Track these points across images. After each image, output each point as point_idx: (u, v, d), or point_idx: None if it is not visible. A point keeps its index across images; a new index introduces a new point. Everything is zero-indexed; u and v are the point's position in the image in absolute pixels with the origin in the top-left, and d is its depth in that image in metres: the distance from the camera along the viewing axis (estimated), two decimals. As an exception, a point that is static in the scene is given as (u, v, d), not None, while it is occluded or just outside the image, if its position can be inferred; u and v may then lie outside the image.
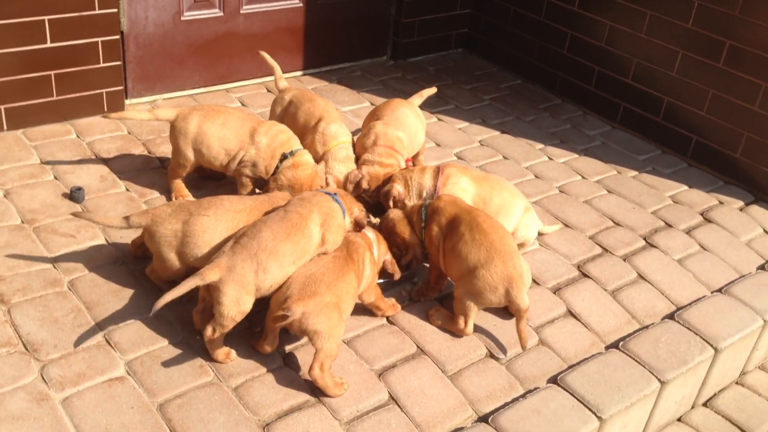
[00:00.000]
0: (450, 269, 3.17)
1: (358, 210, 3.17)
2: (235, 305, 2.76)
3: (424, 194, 3.56)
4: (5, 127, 4.12)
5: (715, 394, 3.58)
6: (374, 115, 4.02)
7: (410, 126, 3.98)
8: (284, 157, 3.57)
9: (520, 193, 3.66)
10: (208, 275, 2.71)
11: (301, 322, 2.73)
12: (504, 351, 3.14)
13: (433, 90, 4.42)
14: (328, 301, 2.77)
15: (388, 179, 3.69)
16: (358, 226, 3.16)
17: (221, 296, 2.74)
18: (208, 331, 2.81)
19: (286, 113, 4.02)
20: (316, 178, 3.59)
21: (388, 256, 3.22)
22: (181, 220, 3.00)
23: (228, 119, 3.63)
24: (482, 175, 3.64)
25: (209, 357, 2.88)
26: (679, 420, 3.44)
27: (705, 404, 3.54)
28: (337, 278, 2.86)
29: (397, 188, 3.58)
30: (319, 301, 2.74)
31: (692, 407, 3.50)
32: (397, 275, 3.23)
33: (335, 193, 3.14)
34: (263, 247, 2.78)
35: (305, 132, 3.88)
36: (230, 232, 3.00)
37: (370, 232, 3.18)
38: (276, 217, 2.91)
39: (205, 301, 2.87)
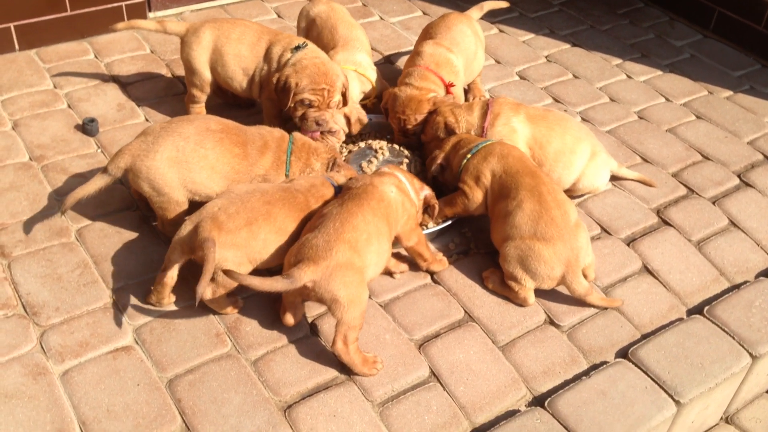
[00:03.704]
0: (498, 233, 2.75)
1: (428, 190, 2.79)
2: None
3: (472, 134, 3.06)
4: (17, 46, 3.75)
5: (813, 362, 3.09)
6: (427, 34, 3.46)
7: (468, 47, 3.41)
8: (297, 48, 3.10)
9: (588, 134, 3.11)
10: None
11: (315, 290, 2.33)
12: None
13: (501, 3, 3.81)
14: (345, 261, 2.34)
15: (431, 112, 3.16)
16: (428, 207, 2.79)
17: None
18: (207, 293, 2.48)
19: (307, 32, 3.52)
20: (327, 76, 3.03)
21: (427, 191, 2.77)
22: (176, 148, 2.62)
23: (245, 33, 3.16)
24: (540, 113, 3.08)
25: (228, 324, 2.55)
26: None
27: (801, 373, 3.06)
28: (351, 227, 2.41)
29: (450, 120, 3.07)
30: (334, 263, 2.32)
31: (785, 377, 3.04)
32: (437, 207, 2.80)
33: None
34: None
35: None
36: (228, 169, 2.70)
37: (396, 171, 2.72)
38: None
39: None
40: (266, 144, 2.78)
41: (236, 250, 2.43)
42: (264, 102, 3.22)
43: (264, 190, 2.55)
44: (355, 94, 3.34)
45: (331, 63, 3.12)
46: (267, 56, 3.14)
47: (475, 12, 3.64)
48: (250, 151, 2.73)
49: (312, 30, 3.50)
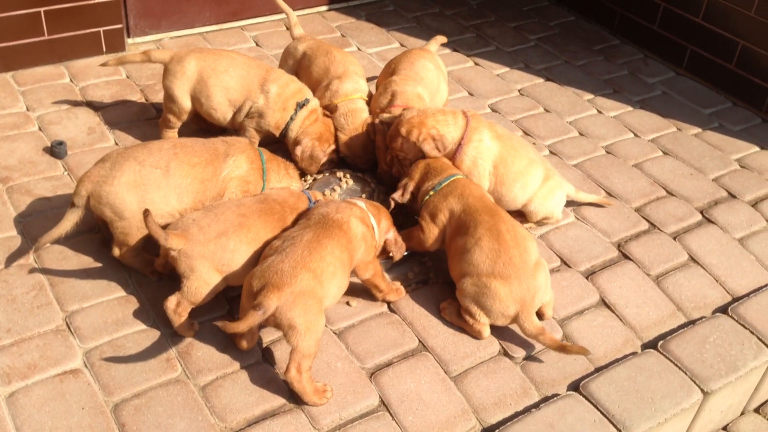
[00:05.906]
0: (455, 269, 2.77)
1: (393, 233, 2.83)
2: (205, 284, 2.52)
3: (449, 145, 3.04)
4: (-7, 69, 3.80)
5: (770, 399, 3.10)
6: (390, 69, 3.51)
7: (431, 80, 3.45)
8: (300, 106, 3.23)
9: (542, 158, 3.17)
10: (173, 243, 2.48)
11: (275, 315, 2.34)
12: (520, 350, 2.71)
13: (442, 39, 3.85)
14: (308, 289, 2.35)
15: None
16: (384, 251, 2.83)
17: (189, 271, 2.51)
18: (172, 302, 2.52)
19: (300, 66, 3.58)
20: (333, 135, 3.33)
21: (391, 234, 2.79)
22: (133, 171, 2.64)
23: (232, 65, 3.22)
24: (507, 133, 3.14)
25: (179, 348, 2.55)
26: (724, 429, 2.97)
27: (757, 410, 3.06)
28: (319, 257, 2.43)
29: (438, 143, 3.02)
30: (297, 290, 2.33)
31: (741, 413, 3.03)
32: (398, 256, 2.83)
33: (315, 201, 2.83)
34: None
35: (318, 88, 3.44)
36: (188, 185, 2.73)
37: (363, 204, 2.75)
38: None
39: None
40: (235, 145, 2.87)
41: (203, 261, 2.49)
42: (249, 131, 3.27)
43: (240, 203, 2.64)
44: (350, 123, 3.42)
45: (328, 120, 3.32)
46: (264, 93, 3.21)
47: (432, 45, 3.73)
48: (212, 155, 2.79)
49: (303, 63, 3.55)
